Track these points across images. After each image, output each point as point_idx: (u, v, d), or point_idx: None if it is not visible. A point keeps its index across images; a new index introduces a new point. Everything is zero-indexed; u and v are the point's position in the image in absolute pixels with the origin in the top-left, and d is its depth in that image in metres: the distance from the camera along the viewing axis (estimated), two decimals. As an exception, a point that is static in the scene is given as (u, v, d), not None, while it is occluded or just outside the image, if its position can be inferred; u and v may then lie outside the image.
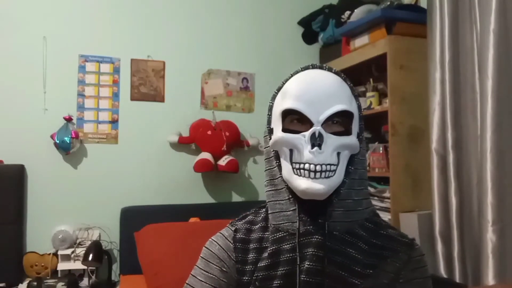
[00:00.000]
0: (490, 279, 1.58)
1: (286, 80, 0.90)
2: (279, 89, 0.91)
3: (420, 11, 2.16)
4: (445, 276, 1.89)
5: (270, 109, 0.92)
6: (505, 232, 1.59)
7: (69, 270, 2.33)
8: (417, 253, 0.89)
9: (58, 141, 2.39)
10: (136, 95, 2.64)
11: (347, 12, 2.50)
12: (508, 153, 1.62)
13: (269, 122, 0.92)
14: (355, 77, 2.50)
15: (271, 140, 0.88)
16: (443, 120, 1.93)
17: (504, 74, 1.63)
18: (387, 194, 2.12)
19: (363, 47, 2.31)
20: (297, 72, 0.90)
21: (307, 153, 0.81)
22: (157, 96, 2.69)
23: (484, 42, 1.67)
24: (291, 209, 0.86)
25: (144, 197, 2.58)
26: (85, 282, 2.31)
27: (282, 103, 0.86)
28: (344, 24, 2.50)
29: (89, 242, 2.29)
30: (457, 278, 1.85)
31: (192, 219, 2.43)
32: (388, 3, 2.21)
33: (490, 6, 1.65)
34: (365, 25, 2.27)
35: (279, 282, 0.84)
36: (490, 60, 1.64)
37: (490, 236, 1.60)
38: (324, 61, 2.71)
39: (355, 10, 2.42)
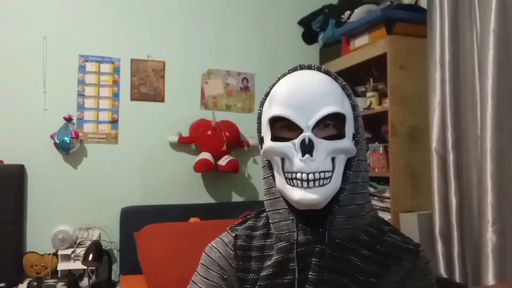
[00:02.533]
0: (490, 279, 1.58)
1: (274, 85, 0.86)
2: (266, 95, 0.87)
3: (420, 11, 2.16)
4: (445, 276, 1.89)
5: (259, 116, 0.87)
6: (505, 232, 1.59)
7: (69, 270, 2.33)
8: (422, 261, 0.86)
9: (58, 141, 2.39)
10: (136, 95, 2.64)
11: (347, 12, 2.50)
12: (508, 153, 1.62)
13: (259, 130, 0.87)
14: (355, 77, 2.50)
15: (261, 150, 0.84)
16: (443, 120, 1.93)
17: (504, 74, 1.63)
18: (387, 194, 2.12)
19: (363, 47, 2.31)
20: (284, 75, 0.85)
21: (297, 161, 0.76)
22: (157, 96, 2.69)
23: (484, 42, 1.67)
24: (290, 218, 0.83)
25: (144, 197, 2.58)
26: (85, 282, 2.31)
27: (270, 109, 0.82)
28: (344, 24, 2.50)
29: (89, 242, 2.29)
30: (457, 278, 1.84)
31: (192, 219, 2.43)
32: (388, 3, 2.21)
33: (490, 6, 1.65)
34: (365, 25, 2.27)
35: None
36: (490, 60, 1.64)
37: (490, 236, 1.60)
38: (324, 61, 2.71)
39: (355, 10, 2.42)
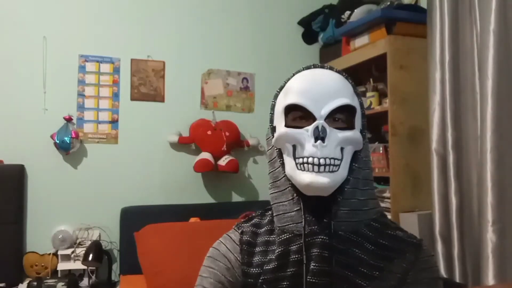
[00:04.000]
0: (490, 279, 1.58)
1: (288, 79, 0.90)
2: (281, 88, 0.91)
3: (420, 11, 2.16)
4: (445, 276, 1.89)
5: (273, 107, 0.91)
6: (505, 232, 1.59)
7: (69, 270, 2.33)
8: (424, 254, 0.87)
9: (58, 141, 2.39)
10: (136, 95, 2.64)
11: (347, 12, 2.50)
12: (508, 153, 1.62)
13: (271, 120, 0.91)
14: (355, 77, 2.47)
15: (274, 138, 0.87)
16: (443, 120, 1.93)
17: (504, 74, 1.63)
18: (387, 194, 2.12)
19: (363, 47, 2.31)
20: (299, 71, 0.90)
21: (310, 146, 0.80)
22: (157, 96, 2.69)
23: (484, 42, 1.67)
24: (295, 209, 0.85)
25: (144, 197, 2.58)
26: (85, 282, 2.31)
27: (285, 99, 0.86)
28: (344, 24, 2.50)
29: (89, 242, 2.29)
30: (457, 278, 1.85)
31: (192, 219, 2.43)
32: (388, 3, 2.21)
33: (490, 6, 1.65)
34: (365, 25, 2.27)
35: (286, 283, 0.83)
36: (490, 60, 1.64)
37: (490, 236, 1.60)
38: (324, 61, 2.71)
39: (355, 10, 2.42)
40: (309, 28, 2.96)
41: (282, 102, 0.87)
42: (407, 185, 2.06)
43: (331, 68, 0.90)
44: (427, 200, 2.00)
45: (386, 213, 2.13)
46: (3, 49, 2.39)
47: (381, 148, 2.20)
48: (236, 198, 2.83)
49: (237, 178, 2.79)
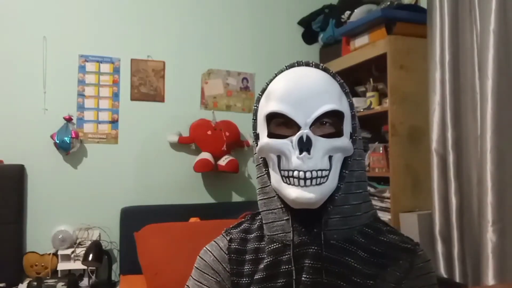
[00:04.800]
0: (490, 279, 1.58)
1: (271, 81, 0.84)
2: (263, 91, 0.85)
3: (420, 11, 2.16)
4: (445, 276, 1.89)
5: (255, 113, 0.85)
6: (505, 232, 1.59)
7: (69, 270, 2.34)
8: (420, 260, 0.83)
9: (58, 141, 2.39)
10: (136, 95, 2.64)
11: (347, 12, 2.50)
12: (508, 153, 1.62)
13: (254, 127, 0.85)
14: (355, 77, 2.50)
15: (257, 147, 0.82)
16: (443, 120, 1.93)
17: (504, 74, 1.63)
18: (387, 194, 2.12)
19: (363, 47, 2.31)
20: (281, 71, 0.84)
21: (295, 159, 0.75)
22: (157, 96, 2.69)
23: (484, 42, 1.67)
24: (284, 218, 0.81)
25: (144, 197, 2.58)
26: (85, 282, 2.31)
27: (267, 106, 0.80)
28: (344, 24, 2.50)
29: (89, 242, 2.29)
30: (457, 278, 1.85)
31: (192, 219, 2.43)
32: (388, 3, 2.21)
33: (490, 6, 1.65)
34: (365, 25, 2.27)
35: None
36: (490, 60, 1.64)
37: (490, 236, 1.60)
38: (324, 61, 2.71)
39: (355, 10, 2.42)
40: (309, 28, 2.96)
41: (264, 108, 0.81)
42: (407, 185, 2.06)
43: (316, 66, 0.84)
44: (427, 200, 2.00)
45: (386, 213, 2.14)
46: (3, 49, 2.39)
47: (381, 148, 2.20)
48: (236, 198, 2.83)
49: (237, 178, 2.78)
